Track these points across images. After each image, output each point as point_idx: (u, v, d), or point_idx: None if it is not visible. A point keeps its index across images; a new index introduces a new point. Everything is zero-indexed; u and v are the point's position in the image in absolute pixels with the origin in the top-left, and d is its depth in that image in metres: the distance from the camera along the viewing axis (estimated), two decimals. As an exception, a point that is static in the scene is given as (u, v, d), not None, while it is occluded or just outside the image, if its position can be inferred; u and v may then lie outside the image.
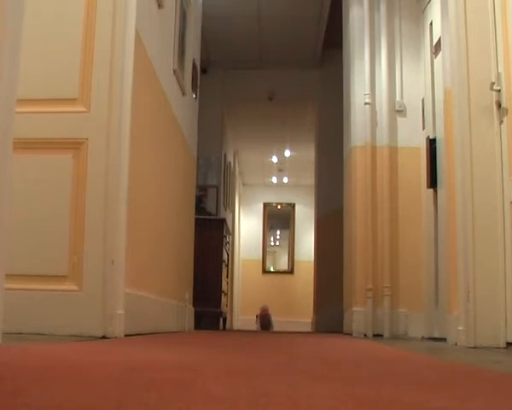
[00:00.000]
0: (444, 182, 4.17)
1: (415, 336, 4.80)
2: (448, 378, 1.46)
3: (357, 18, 5.28)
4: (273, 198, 14.29)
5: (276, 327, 11.79)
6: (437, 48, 4.54)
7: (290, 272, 13.92)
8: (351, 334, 4.93)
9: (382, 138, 5.05)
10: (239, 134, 10.70)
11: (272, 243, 14.48)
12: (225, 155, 9.24)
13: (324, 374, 1.44)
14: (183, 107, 4.82)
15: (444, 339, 3.73)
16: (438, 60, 4.52)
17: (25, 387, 0.94)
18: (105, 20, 2.92)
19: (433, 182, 4.55)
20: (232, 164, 11.00)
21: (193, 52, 5.20)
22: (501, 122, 3.18)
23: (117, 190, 2.83)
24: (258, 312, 12.17)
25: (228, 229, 8.44)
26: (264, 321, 11.95)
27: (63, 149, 2.87)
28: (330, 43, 7.41)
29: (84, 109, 2.89)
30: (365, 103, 5.10)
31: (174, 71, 4.35)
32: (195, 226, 5.77)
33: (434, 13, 4.66)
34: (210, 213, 8.01)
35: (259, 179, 14.00)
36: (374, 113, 5.11)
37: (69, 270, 2.77)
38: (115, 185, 2.83)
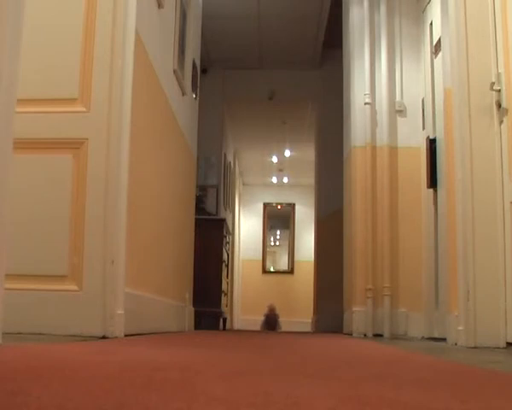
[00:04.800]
0: (444, 182, 4.17)
1: (415, 336, 4.80)
2: (448, 378, 1.46)
3: (357, 18, 5.28)
4: (273, 198, 14.29)
5: (277, 327, 11.76)
6: (437, 48, 4.54)
7: (290, 272, 13.92)
8: (351, 334, 4.93)
9: (382, 138, 5.05)
10: (239, 134, 10.70)
11: (272, 243, 14.48)
12: (225, 155, 9.24)
13: (324, 374, 1.44)
14: (183, 107, 4.82)
15: (444, 339, 3.73)
16: (438, 60, 4.52)
17: (25, 387, 0.94)
18: (105, 20, 2.92)
19: (433, 182, 4.55)
20: (232, 164, 11.00)
21: (193, 52, 5.20)
22: (501, 122, 3.18)
23: (117, 190, 2.83)
24: (265, 311, 12.05)
25: (228, 229, 8.44)
26: (271, 321, 11.77)
27: (63, 149, 2.87)
28: (330, 43, 7.41)
29: (84, 109, 2.89)
30: (365, 103, 5.10)
31: (174, 71, 4.35)
32: (195, 226, 5.77)
33: (434, 13, 4.66)
34: (210, 213, 8.01)
35: (259, 179, 14.00)
36: (374, 113, 5.11)
37: (69, 270, 2.77)
38: (115, 185, 2.83)
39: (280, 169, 12.92)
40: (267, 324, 11.70)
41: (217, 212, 8.21)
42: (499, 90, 3.17)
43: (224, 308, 7.82)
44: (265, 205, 14.31)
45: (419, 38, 5.17)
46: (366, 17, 5.21)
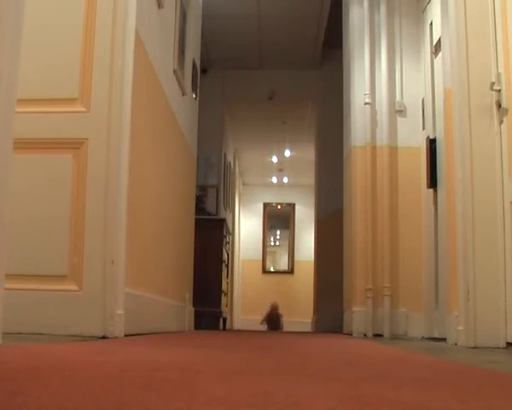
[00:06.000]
0: (444, 182, 4.17)
1: (415, 336, 4.80)
2: (448, 378, 1.46)
3: (357, 18, 5.28)
4: (273, 198, 14.29)
5: (277, 327, 11.72)
6: (437, 48, 4.54)
7: (290, 272, 13.92)
8: (351, 334, 4.93)
9: (382, 138, 5.05)
10: (239, 134, 10.70)
11: (272, 243, 14.48)
12: (225, 155, 9.24)
13: (324, 374, 1.44)
14: (183, 107, 4.82)
15: (444, 339, 3.73)
16: (438, 60, 4.52)
17: (25, 387, 0.94)
18: (105, 20, 2.92)
19: (433, 182, 4.55)
20: (232, 164, 11.00)
21: (193, 52, 5.20)
22: (501, 122, 3.18)
23: (117, 190, 2.83)
24: (267, 310, 11.98)
25: (228, 229, 8.44)
26: (273, 320, 11.66)
27: (63, 149, 2.87)
28: (330, 43, 7.41)
29: (84, 109, 2.89)
30: (365, 103, 5.10)
31: (174, 71, 4.35)
32: (195, 226, 5.77)
33: (434, 13, 4.66)
34: (210, 213, 8.01)
35: (259, 179, 14.00)
36: (374, 113, 5.11)
37: (69, 270, 2.77)
38: (115, 185, 2.83)
39: (280, 169, 12.92)
40: (269, 323, 11.62)
41: (217, 212, 8.21)
42: (499, 90, 3.17)
43: (224, 308, 7.82)
44: (265, 205, 14.31)
45: (419, 38, 5.17)
46: (366, 17, 5.21)
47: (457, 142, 3.33)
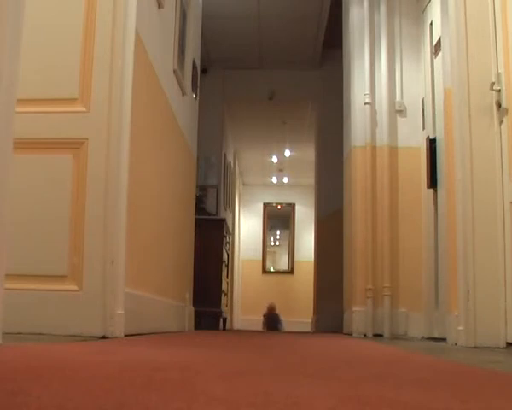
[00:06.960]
0: (444, 182, 4.17)
1: (415, 336, 4.80)
2: (448, 378, 1.46)
3: (357, 18, 5.28)
4: (273, 198, 14.29)
5: (277, 327, 11.71)
6: (437, 48, 4.54)
7: (290, 272, 13.92)
8: (351, 334, 4.93)
9: (382, 138, 5.05)
10: (239, 134, 10.70)
11: (272, 243, 14.48)
12: (225, 155, 9.24)
13: (324, 374, 1.43)
14: (183, 107, 4.81)
15: (444, 339, 3.73)
16: (438, 60, 4.52)
17: (25, 387, 0.94)
18: (105, 20, 2.92)
19: (433, 182, 4.55)
20: (232, 164, 11.00)
21: (193, 52, 5.20)
22: (501, 122, 3.18)
23: (117, 190, 2.83)
24: (265, 311, 11.96)
25: (228, 229, 8.44)
26: (271, 320, 11.63)
27: (63, 149, 2.87)
28: (330, 43, 7.41)
29: (84, 109, 2.89)
30: (365, 103, 5.10)
31: (174, 71, 4.35)
32: (195, 226, 5.77)
33: (434, 13, 4.66)
34: (210, 213, 8.01)
35: (259, 179, 14.00)
36: (374, 113, 5.11)
37: (69, 270, 2.77)
38: (115, 185, 2.83)
39: (280, 169, 12.92)
40: (267, 324, 11.61)
41: (217, 212, 8.21)
42: (499, 90, 3.17)
43: (224, 308, 7.82)
44: (265, 205, 14.31)
45: (419, 38, 5.17)
46: (366, 17, 5.21)
47: (457, 142, 3.33)
